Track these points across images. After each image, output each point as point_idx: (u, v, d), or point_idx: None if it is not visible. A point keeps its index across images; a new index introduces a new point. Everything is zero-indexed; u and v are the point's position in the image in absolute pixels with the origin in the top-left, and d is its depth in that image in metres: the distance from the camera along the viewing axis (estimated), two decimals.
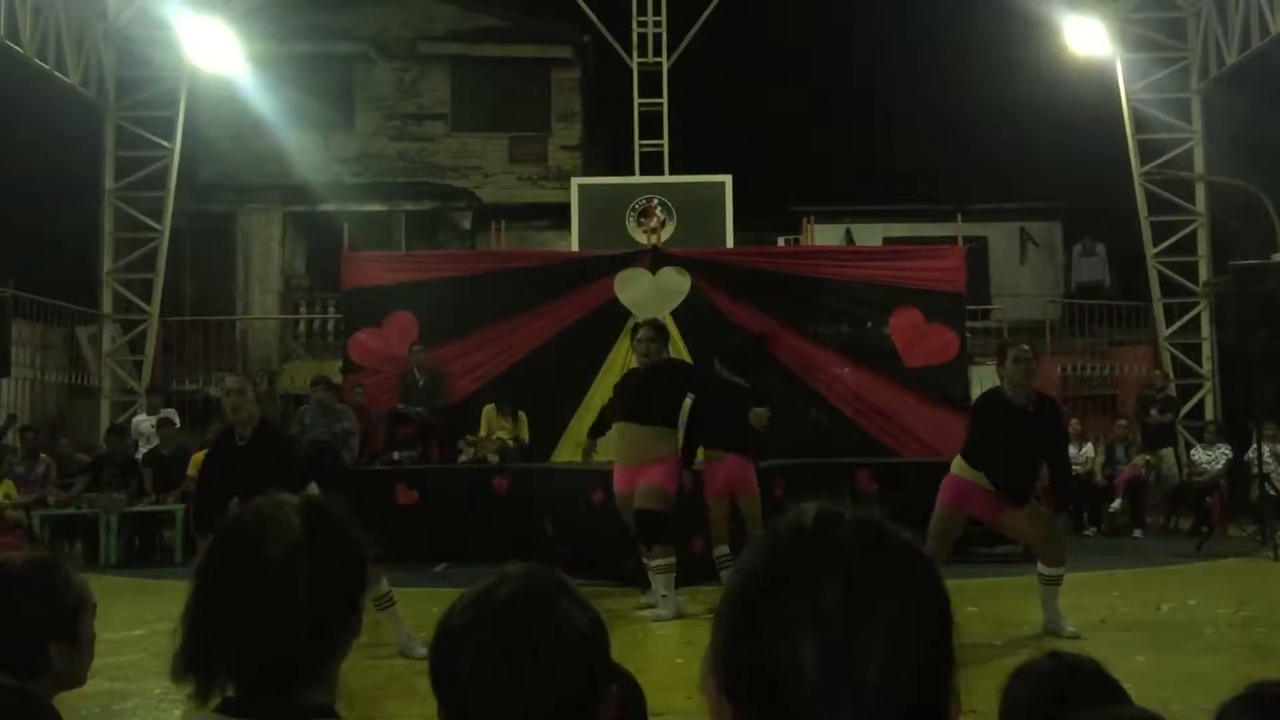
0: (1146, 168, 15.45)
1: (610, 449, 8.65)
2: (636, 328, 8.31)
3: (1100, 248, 18.84)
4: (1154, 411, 14.44)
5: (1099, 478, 13.64)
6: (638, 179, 15.13)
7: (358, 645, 1.64)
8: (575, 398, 12.40)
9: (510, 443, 11.96)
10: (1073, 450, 13.71)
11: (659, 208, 14.16)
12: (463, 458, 12.07)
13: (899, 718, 0.91)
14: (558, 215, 16.54)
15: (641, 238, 13.73)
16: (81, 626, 2.14)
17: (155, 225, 15.50)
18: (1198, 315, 15.57)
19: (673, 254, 13.14)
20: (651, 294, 12.70)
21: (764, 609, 0.93)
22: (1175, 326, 15.59)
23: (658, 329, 8.22)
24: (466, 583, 1.37)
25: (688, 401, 8.14)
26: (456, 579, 9.46)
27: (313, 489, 6.71)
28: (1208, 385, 15.51)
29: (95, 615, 2.19)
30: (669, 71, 15.84)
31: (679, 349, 11.04)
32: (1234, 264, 12.22)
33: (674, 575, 7.83)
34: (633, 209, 14.20)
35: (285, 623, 1.48)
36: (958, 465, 7.05)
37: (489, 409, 12.16)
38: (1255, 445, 12.17)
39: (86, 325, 16.23)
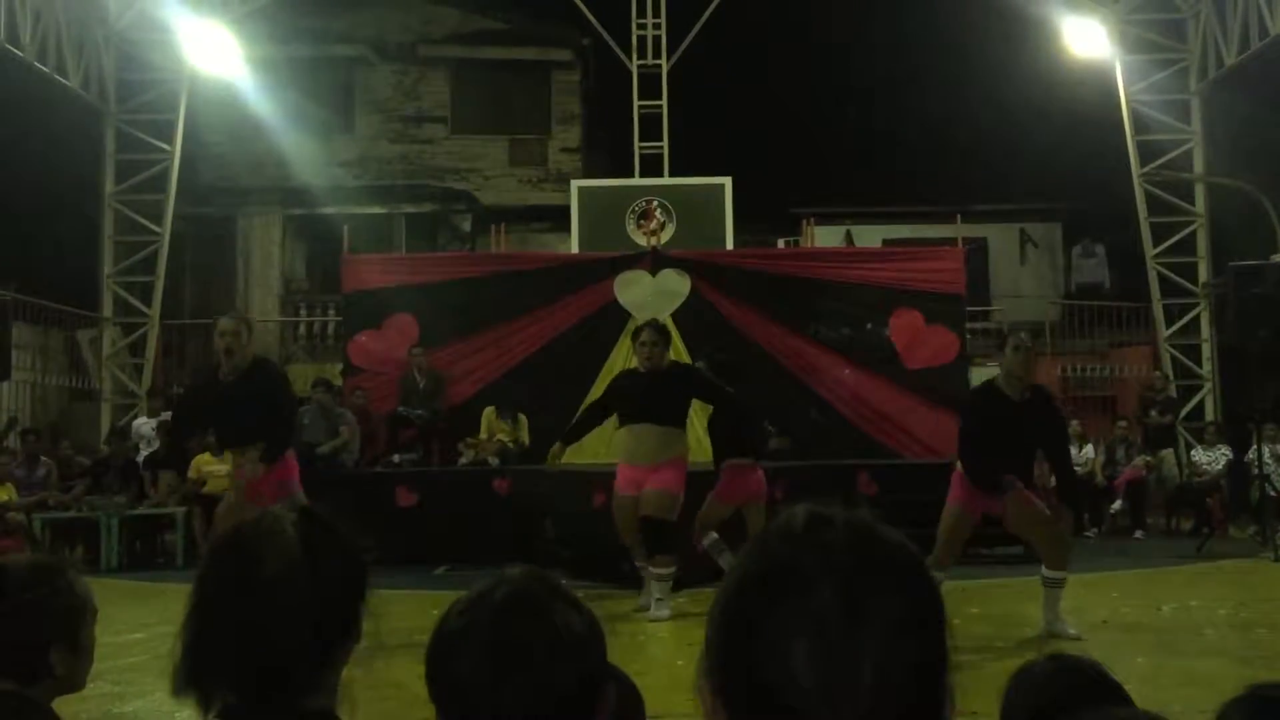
0: (1146, 169, 15.44)
1: (589, 451, 8.58)
2: (639, 330, 8.26)
3: (1100, 249, 18.84)
4: (1154, 412, 14.44)
5: (1099, 479, 13.63)
6: (637, 181, 15.14)
7: (358, 649, 1.65)
8: (576, 400, 12.33)
9: (510, 445, 11.96)
10: (1073, 451, 13.74)
11: (659, 210, 14.16)
12: (463, 460, 12.07)
13: (894, 719, 0.91)
14: (558, 217, 16.54)
15: (641, 240, 13.74)
16: (83, 631, 2.14)
17: (155, 228, 15.50)
18: (1197, 316, 15.56)
19: (673, 256, 13.15)
20: (652, 296, 12.71)
21: (757, 612, 0.93)
22: (1175, 327, 15.58)
23: (661, 331, 8.20)
24: (467, 585, 1.37)
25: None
26: (457, 581, 9.47)
27: (300, 498, 6.71)
28: (1208, 386, 15.50)
29: (96, 620, 2.19)
30: (669, 74, 15.85)
31: (679, 351, 11.04)
32: (1233, 265, 12.22)
33: (672, 583, 7.87)
34: (633, 211, 14.20)
35: (284, 636, 1.49)
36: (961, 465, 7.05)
37: (489, 411, 12.16)
38: (1255, 446, 12.16)
39: (87, 328, 16.23)
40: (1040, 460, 7.63)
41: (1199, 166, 15.55)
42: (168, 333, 16.53)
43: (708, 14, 15.77)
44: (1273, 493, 11.75)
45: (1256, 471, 12.03)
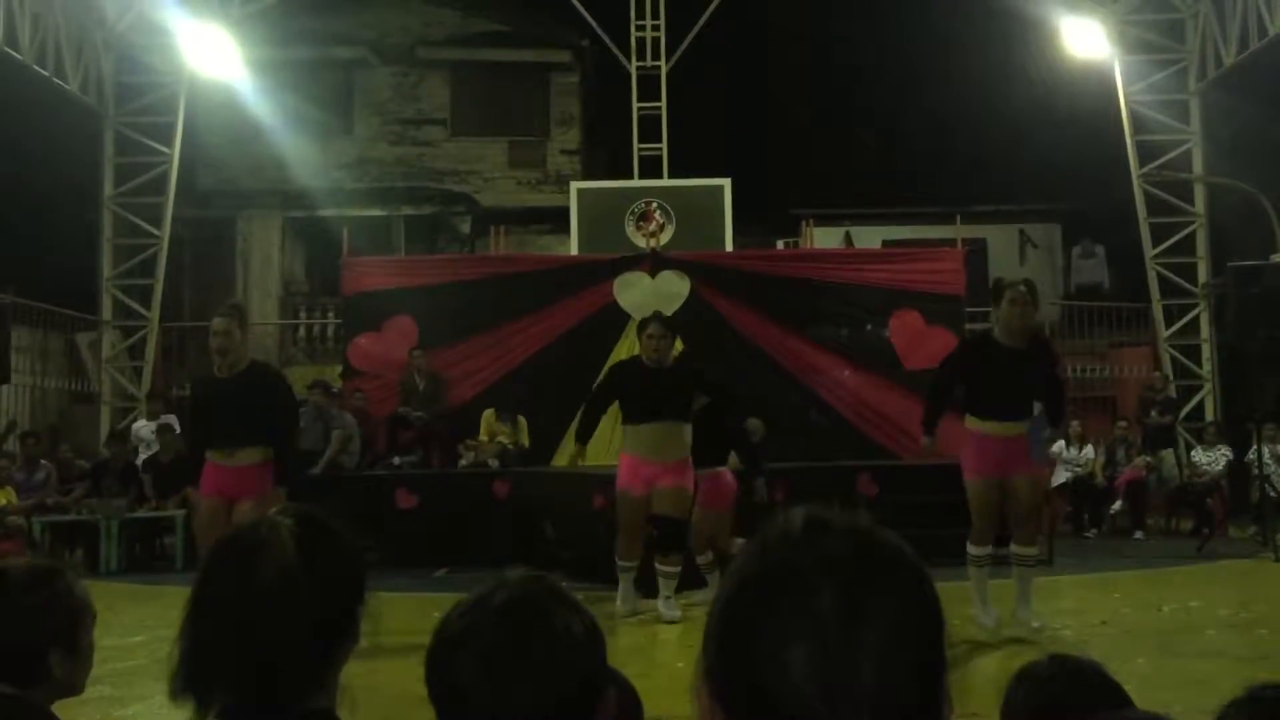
0: (1145, 169, 15.44)
1: (589, 454, 8.50)
2: (645, 322, 8.19)
3: (1099, 249, 18.84)
4: (1154, 413, 14.44)
5: (1099, 479, 13.63)
6: (637, 183, 15.14)
7: (358, 651, 1.65)
8: (575, 402, 12.30)
9: (510, 447, 11.96)
10: (1073, 452, 13.77)
11: (658, 211, 14.17)
12: (463, 462, 12.07)
13: None
14: (557, 219, 16.54)
15: (641, 241, 13.74)
16: (82, 635, 2.13)
17: (155, 231, 15.50)
18: (1197, 316, 15.55)
19: (672, 257, 13.15)
20: (651, 297, 12.70)
21: (755, 616, 0.93)
22: (1175, 328, 15.58)
23: (668, 326, 8.18)
24: (467, 587, 1.37)
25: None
26: (457, 583, 9.47)
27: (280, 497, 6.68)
28: (1208, 386, 15.50)
29: (95, 623, 2.19)
30: (667, 75, 15.85)
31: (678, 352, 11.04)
32: (1233, 265, 12.23)
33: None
34: (632, 213, 14.21)
35: (281, 640, 1.49)
36: (967, 419, 6.99)
37: (488, 413, 12.16)
38: (1255, 446, 12.16)
39: (86, 331, 16.22)
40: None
41: (1198, 167, 15.55)
42: (167, 336, 16.53)
43: (706, 15, 15.78)
44: (1273, 493, 11.73)
45: (1256, 472, 12.03)
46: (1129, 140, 15.43)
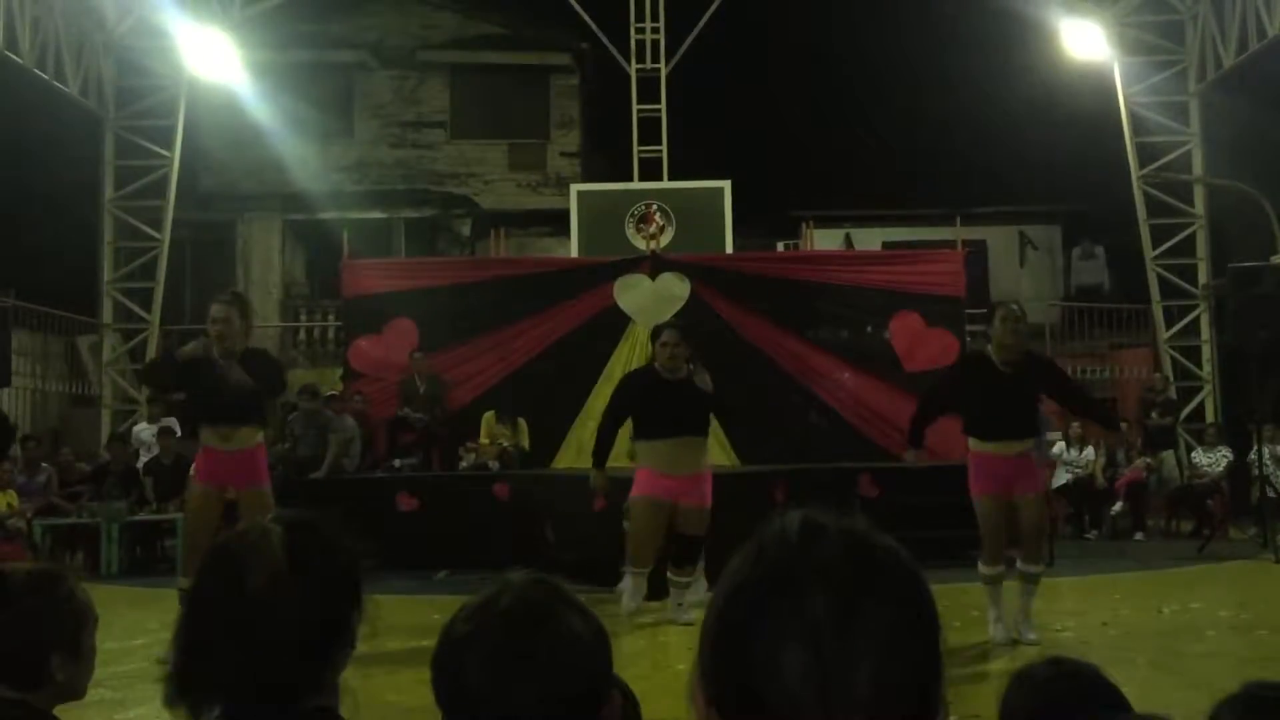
0: (1145, 170, 15.45)
1: (589, 456, 8.43)
2: (659, 329, 8.07)
3: (1099, 250, 18.85)
4: (1154, 414, 14.44)
5: (1100, 480, 13.63)
6: (637, 185, 15.15)
7: (357, 654, 1.65)
8: (575, 404, 12.40)
9: (510, 449, 11.96)
10: (1074, 453, 13.76)
11: (658, 213, 14.18)
12: (463, 464, 12.07)
13: None
14: (557, 222, 16.55)
15: (641, 243, 13.75)
16: (84, 639, 2.14)
17: (155, 234, 15.51)
18: (1197, 317, 15.56)
19: (672, 259, 13.15)
20: (651, 300, 12.71)
21: (751, 620, 0.93)
22: (1175, 329, 15.59)
23: (683, 333, 7.95)
24: (467, 590, 1.38)
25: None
26: (457, 586, 9.47)
27: (266, 492, 6.76)
28: (1208, 387, 15.50)
29: (97, 626, 2.19)
30: (667, 77, 15.85)
31: None
32: (1232, 266, 12.23)
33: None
34: (632, 215, 14.22)
35: (274, 647, 1.50)
36: (970, 440, 7.03)
37: (488, 416, 12.16)
38: (1256, 447, 12.16)
39: (87, 334, 16.23)
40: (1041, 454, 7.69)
41: (1198, 168, 15.56)
42: (168, 338, 16.51)
43: (706, 17, 15.78)
44: (1273, 494, 11.74)
45: (1257, 473, 12.03)
46: (1129, 141, 15.44)
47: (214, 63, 15.24)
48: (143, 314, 15.66)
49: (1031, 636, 6.73)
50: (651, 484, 7.62)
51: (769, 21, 20.91)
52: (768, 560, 0.96)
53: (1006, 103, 18.47)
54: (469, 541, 10.27)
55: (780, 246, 18.00)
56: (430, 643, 1.35)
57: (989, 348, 7.04)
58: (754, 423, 11.53)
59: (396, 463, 12.26)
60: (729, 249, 14.11)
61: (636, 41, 15.95)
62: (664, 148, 15.64)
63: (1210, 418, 15.11)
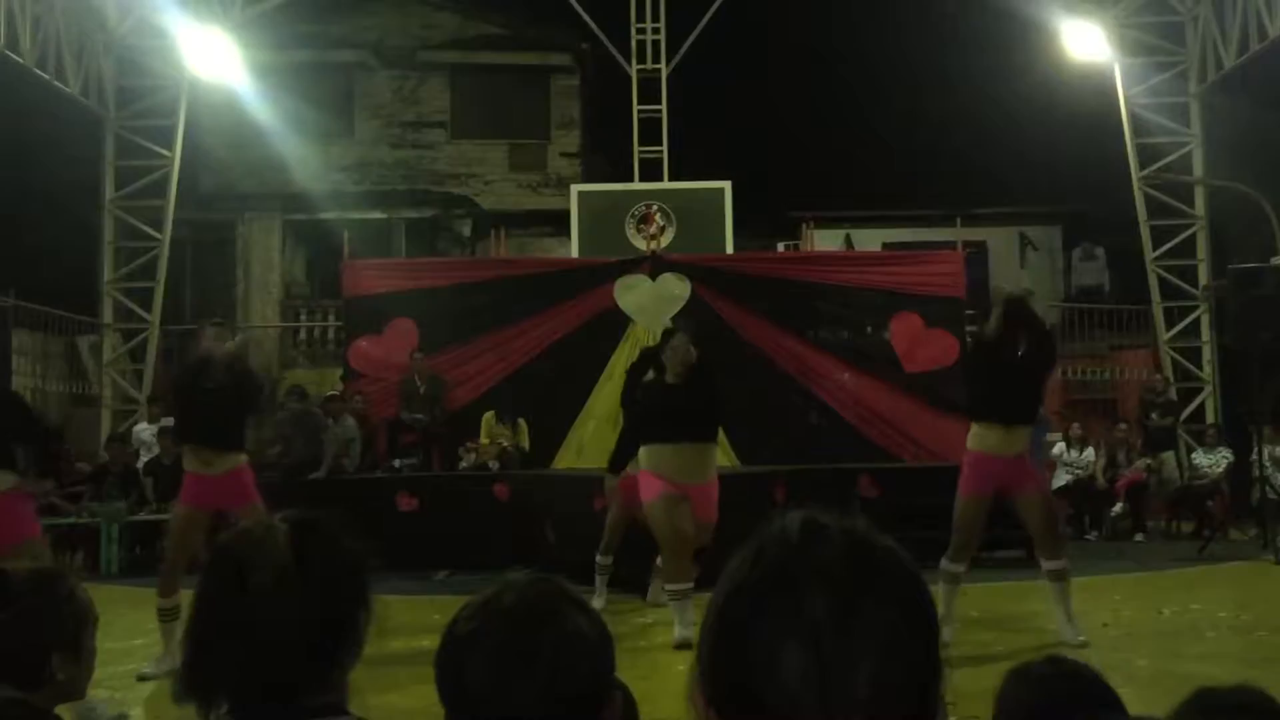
0: (1145, 171, 15.45)
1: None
2: (669, 332, 7.90)
3: (1100, 251, 18.85)
4: (1155, 415, 14.44)
5: (1100, 481, 13.63)
6: (637, 185, 15.15)
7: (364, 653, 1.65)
8: (575, 405, 12.41)
9: (510, 450, 11.96)
10: (1074, 454, 13.77)
11: (659, 214, 14.18)
12: (463, 464, 12.07)
13: None
14: (558, 222, 16.55)
15: (641, 244, 13.75)
16: (84, 639, 2.14)
17: (155, 234, 15.50)
18: (1198, 318, 15.56)
19: (672, 260, 13.16)
20: (652, 300, 12.71)
21: (750, 620, 0.93)
22: (1175, 330, 15.58)
23: (695, 336, 7.78)
24: (468, 590, 1.38)
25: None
26: (458, 586, 9.48)
27: (259, 509, 6.69)
28: (1208, 388, 15.50)
29: (97, 626, 2.20)
30: (668, 78, 15.85)
31: None
32: (1233, 267, 12.23)
33: None
34: (632, 215, 14.22)
35: (279, 646, 1.50)
36: (970, 437, 6.99)
37: (489, 416, 12.16)
38: (1256, 448, 12.16)
39: (87, 334, 16.23)
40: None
41: (1198, 169, 15.56)
42: (168, 338, 16.50)
43: (707, 18, 15.78)
44: (1273, 495, 11.74)
45: (1257, 474, 12.03)
46: (1129, 143, 15.44)
47: (214, 63, 15.24)
48: (143, 314, 15.65)
49: (1080, 639, 6.50)
50: (658, 486, 7.38)
51: (769, 21, 20.92)
52: (768, 560, 0.96)
53: (1006, 103, 18.48)
54: (469, 542, 10.29)
55: (780, 247, 17.99)
56: (430, 643, 1.35)
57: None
58: (754, 423, 11.55)
59: (396, 463, 12.26)
60: (729, 250, 14.11)
61: (637, 42, 15.95)
62: (664, 148, 15.64)
63: (1211, 419, 15.11)
